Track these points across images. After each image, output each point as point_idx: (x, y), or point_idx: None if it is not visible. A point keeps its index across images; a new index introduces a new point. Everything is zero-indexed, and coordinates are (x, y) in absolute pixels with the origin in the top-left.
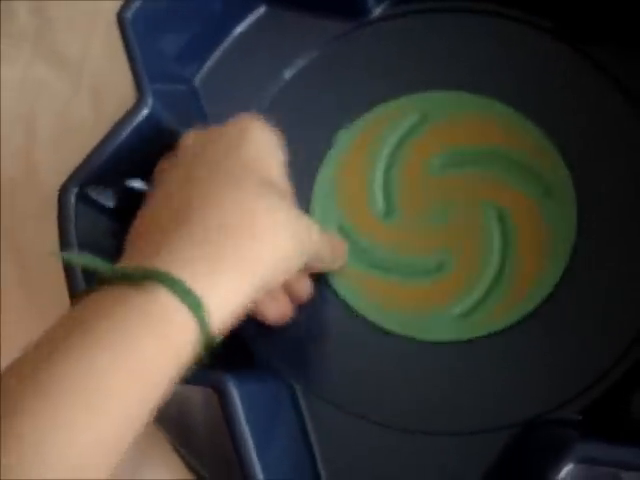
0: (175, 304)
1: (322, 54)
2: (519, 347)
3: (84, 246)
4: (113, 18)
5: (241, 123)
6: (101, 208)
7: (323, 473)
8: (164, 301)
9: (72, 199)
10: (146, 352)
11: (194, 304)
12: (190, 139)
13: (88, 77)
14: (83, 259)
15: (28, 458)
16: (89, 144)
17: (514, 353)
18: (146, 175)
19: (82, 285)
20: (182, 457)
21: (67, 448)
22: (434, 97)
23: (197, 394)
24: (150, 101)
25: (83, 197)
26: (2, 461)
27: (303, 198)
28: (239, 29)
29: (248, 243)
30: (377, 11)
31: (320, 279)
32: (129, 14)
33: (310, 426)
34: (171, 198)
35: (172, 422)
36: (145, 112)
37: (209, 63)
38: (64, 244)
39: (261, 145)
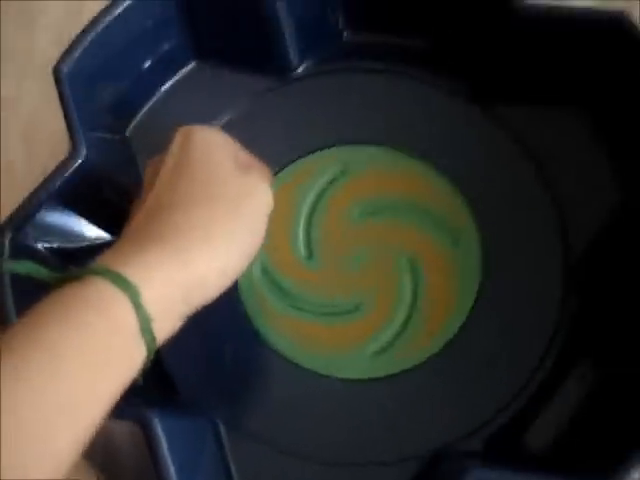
0: (110, 289)
1: (249, 109)
2: (426, 383)
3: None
4: (48, 60)
5: (179, 140)
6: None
7: None
8: (101, 287)
9: (6, 243)
10: (89, 328)
11: (126, 286)
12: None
13: (21, 117)
14: (25, 267)
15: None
16: (19, 186)
17: (422, 389)
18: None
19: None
20: None
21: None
22: (355, 151)
23: (123, 428)
24: (83, 151)
25: (18, 241)
26: None
27: None
28: (170, 83)
29: (197, 246)
30: (301, 69)
31: (243, 318)
32: (65, 68)
33: (232, 460)
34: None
35: (98, 455)
36: (79, 161)
37: (141, 116)
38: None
39: (206, 147)
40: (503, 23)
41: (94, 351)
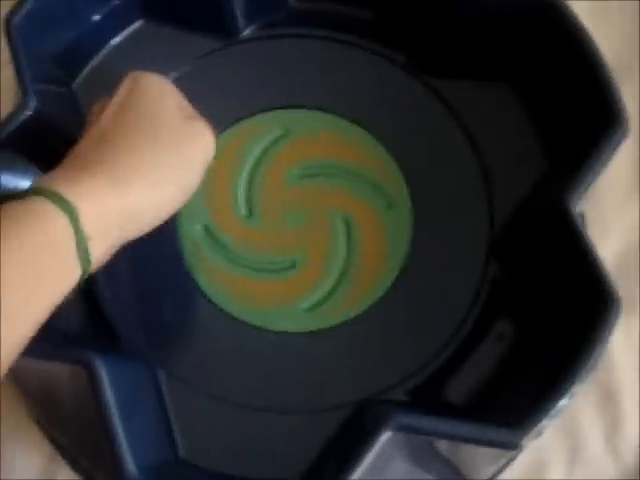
0: (49, 207)
1: (193, 69)
2: (355, 338)
3: None
4: None
5: (127, 83)
6: None
7: (181, 446)
8: (39, 206)
9: None
10: (27, 243)
11: (65, 205)
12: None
13: None
14: None
15: None
16: None
17: (351, 343)
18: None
19: None
20: (44, 429)
21: None
22: (296, 115)
23: (64, 371)
24: (33, 102)
25: None
26: None
27: None
28: (117, 39)
29: (134, 175)
30: (246, 32)
31: (183, 272)
32: (17, 19)
33: (169, 405)
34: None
35: (37, 396)
36: (27, 112)
37: (87, 70)
38: None
39: (155, 91)
40: (444, 2)
41: (31, 266)
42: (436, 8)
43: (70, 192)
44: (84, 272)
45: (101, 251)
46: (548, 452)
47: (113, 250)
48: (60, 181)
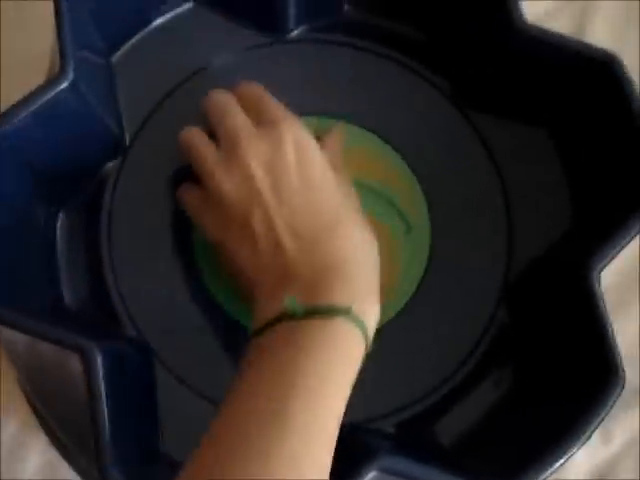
0: (354, 330)
1: (235, 60)
2: None
3: None
4: None
5: (275, 133)
6: None
7: (168, 445)
8: (347, 328)
9: None
10: (339, 376)
11: (363, 328)
12: (220, 176)
13: None
14: None
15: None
16: None
17: None
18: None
19: None
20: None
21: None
22: (328, 124)
23: (60, 353)
24: (71, 68)
25: None
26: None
27: None
28: (164, 19)
29: (373, 271)
30: (295, 33)
31: (191, 266)
32: None
33: (161, 401)
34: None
35: (28, 370)
36: (64, 83)
37: (129, 45)
38: None
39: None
40: (500, 38)
41: (345, 381)
42: (490, 43)
43: (358, 310)
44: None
45: None
46: None
47: None
48: (348, 300)
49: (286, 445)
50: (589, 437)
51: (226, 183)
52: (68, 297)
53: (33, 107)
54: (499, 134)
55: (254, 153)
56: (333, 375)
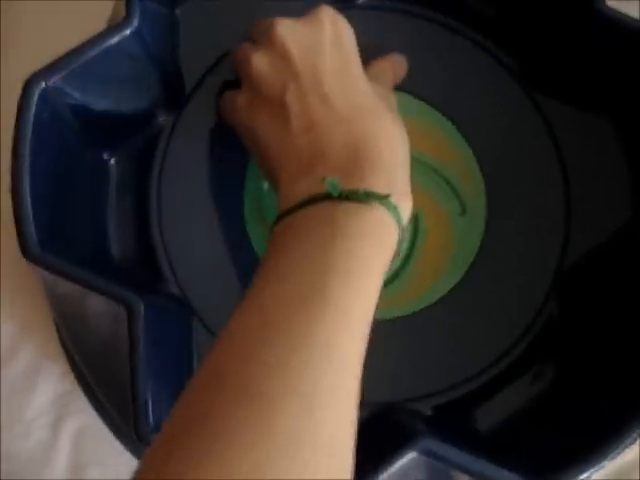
0: (389, 219)
1: None
2: (391, 339)
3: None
4: None
5: (312, 16)
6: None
7: None
8: (383, 216)
9: (36, 93)
10: (375, 264)
11: (399, 219)
12: (256, 58)
13: None
14: None
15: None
16: None
17: (386, 343)
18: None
19: None
20: (68, 355)
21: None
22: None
23: (106, 306)
24: (136, 14)
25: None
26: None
27: None
28: None
29: (407, 170)
30: (362, 1)
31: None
32: None
33: (199, 358)
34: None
35: (70, 321)
36: (127, 31)
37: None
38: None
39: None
40: (576, 17)
41: (379, 269)
42: (566, 21)
43: (396, 200)
44: None
45: None
46: None
47: None
48: (384, 188)
49: (328, 327)
50: (635, 439)
51: (262, 64)
52: (114, 249)
53: (97, 50)
54: (564, 120)
55: (290, 32)
56: (369, 260)
